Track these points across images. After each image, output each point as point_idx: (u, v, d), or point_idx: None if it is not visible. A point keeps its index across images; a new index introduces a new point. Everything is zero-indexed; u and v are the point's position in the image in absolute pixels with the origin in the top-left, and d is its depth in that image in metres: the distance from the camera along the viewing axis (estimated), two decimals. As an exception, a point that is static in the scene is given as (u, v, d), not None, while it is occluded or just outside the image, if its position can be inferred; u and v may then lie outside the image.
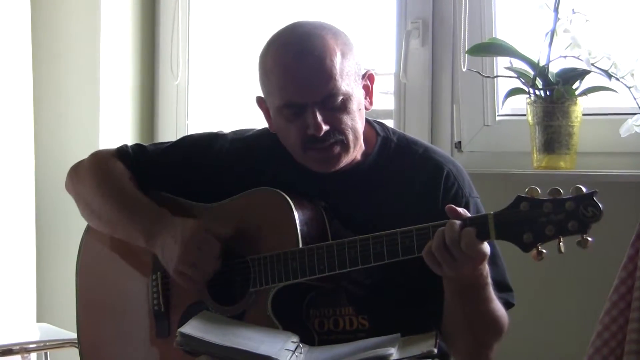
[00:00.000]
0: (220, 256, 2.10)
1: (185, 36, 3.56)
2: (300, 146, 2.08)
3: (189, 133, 3.35)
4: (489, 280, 1.98)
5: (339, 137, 2.06)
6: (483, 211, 2.11)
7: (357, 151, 2.13)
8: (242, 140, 2.27)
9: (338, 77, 2.04)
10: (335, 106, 2.05)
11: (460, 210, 1.91)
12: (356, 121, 2.08)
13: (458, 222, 1.88)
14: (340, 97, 2.05)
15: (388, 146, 2.19)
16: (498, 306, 2.04)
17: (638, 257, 2.20)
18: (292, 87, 2.05)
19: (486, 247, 1.90)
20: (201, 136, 2.34)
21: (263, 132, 2.28)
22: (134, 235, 2.19)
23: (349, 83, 2.06)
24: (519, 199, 1.86)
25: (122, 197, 2.23)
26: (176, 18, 3.55)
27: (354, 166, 2.15)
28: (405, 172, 2.15)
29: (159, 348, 2.21)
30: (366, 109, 2.14)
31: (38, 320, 3.47)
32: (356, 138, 2.09)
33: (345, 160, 2.10)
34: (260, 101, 2.17)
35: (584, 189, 1.83)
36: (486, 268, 1.96)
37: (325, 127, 2.04)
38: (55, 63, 3.59)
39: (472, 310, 2.00)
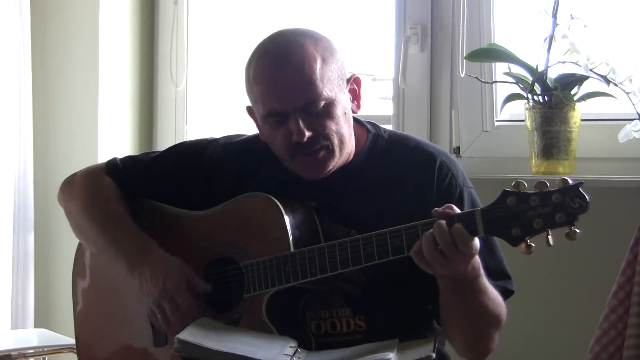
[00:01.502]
0: (193, 313, 2.11)
1: (184, 42, 3.56)
2: (288, 154, 2.08)
3: (188, 139, 3.37)
4: (482, 271, 1.97)
5: (324, 142, 2.06)
6: (478, 201, 2.11)
7: (345, 155, 2.13)
8: (234, 144, 2.28)
9: (318, 83, 2.03)
10: (317, 112, 2.04)
11: (447, 210, 1.89)
12: (341, 126, 2.07)
13: (443, 222, 1.87)
14: (322, 103, 2.04)
15: (379, 143, 2.19)
16: (493, 295, 2.03)
17: (637, 262, 2.20)
18: (273, 96, 2.05)
19: (477, 241, 1.89)
20: (192, 143, 2.35)
21: (254, 136, 2.28)
22: (117, 262, 2.20)
23: (331, 88, 2.05)
24: (506, 194, 1.86)
25: (106, 222, 2.23)
26: (175, 24, 3.56)
27: (345, 166, 2.14)
28: (398, 165, 2.15)
29: (157, 356, 2.21)
30: (354, 112, 2.13)
31: (36, 326, 3.47)
32: (342, 142, 2.09)
33: (333, 164, 2.10)
34: (250, 110, 2.17)
35: (570, 181, 1.83)
36: (477, 260, 1.94)
37: (308, 133, 2.03)
38: (54, 69, 3.59)
39: (467, 303, 1.99)
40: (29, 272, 3.46)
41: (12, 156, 3.43)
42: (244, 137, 2.31)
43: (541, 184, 1.84)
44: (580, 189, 1.81)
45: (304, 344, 2.01)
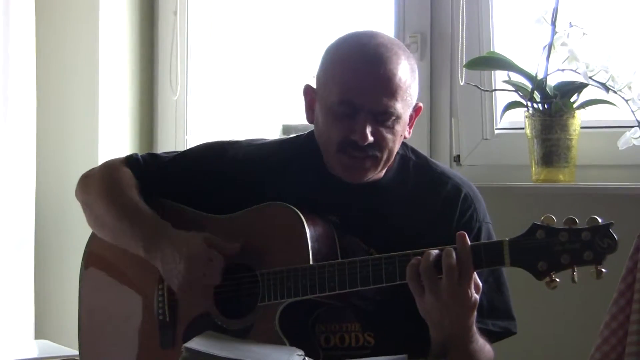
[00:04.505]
0: (223, 272, 2.09)
1: (184, 52, 3.57)
2: (337, 147, 2.07)
3: (188, 148, 3.36)
4: (476, 337, 1.99)
5: (376, 153, 2.06)
6: (494, 237, 2.11)
7: (383, 171, 2.14)
8: (258, 148, 2.27)
9: (400, 98, 2.04)
10: (385, 123, 2.05)
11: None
12: (395, 144, 2.09)
13: (453, 251, 1.89)
14: (393, 117, 2.05)
15: (406, 164, 2.19)
16: (482, 353, 2.04)
17: (637, 269, 2.19)
18: (357, 88, 2.03)
19: (477, 283, 1.92)
20: (214, 144, 2.34)
21: (279, 142, 2.29)
22: (134, 245, 2.18)
23: (403, 106, 2.06)
24: (535, 227, 1.88)
25: (124, 207, 2.22)
26: (175, 34, 3.56)
27: (374, 182, 2.15)
28: (423, 190, 2.16)
29: (163, 358, 2.20)
30: (405, 137, 2.14)
31: (36, 337, 3.46)
32: (388, 159, 2.10)
33: (371, 176, 2.11)
34: (309, 90, 2.15)
35: (599, 220, 1.85)
36: (473, 328, 1.97)
37: (370, 139, 2.04)
38: (54, 80, 3.59)
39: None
40: (29, 283, 3.46)
41: (14, 166, 3.43)
42: (269, 141, 2.30)
43: (570, 220, 1.86)
44: (610, 229, 1.84)
45: (313, 357, 2.00)
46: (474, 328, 1.97)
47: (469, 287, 1.89)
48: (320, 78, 2.12)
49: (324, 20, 3.41)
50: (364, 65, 2.04)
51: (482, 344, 2.03)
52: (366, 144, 2.03)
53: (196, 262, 2.08)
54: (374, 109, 2.03)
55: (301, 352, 1.96)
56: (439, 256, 1.89)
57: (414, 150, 2.23)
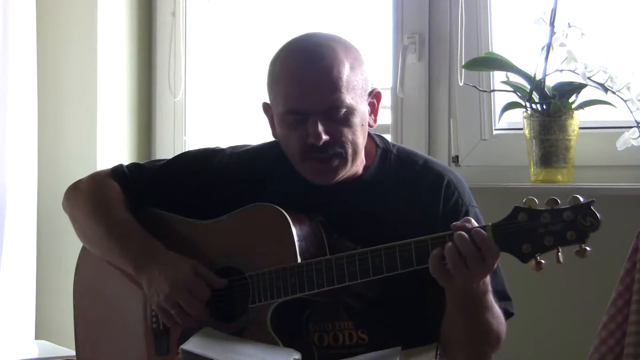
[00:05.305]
0: (207, 303, 2.10)
1: (181, 53, 3.57)
2: (300, 155, 2.08)
3: (187, 149, 3.37)
4: (490, 287, 1.98)
5: (338, 150, 2.06)
6: (482, 221, 2.11)
7: (357, 165, 2.14)
8: (241, 154, 2.28)
9: (343, 90, 2.04)
10: (337, 118, 2.05)
11: (465, 224, 1.90)
12: (357, 135, 2.08)
13: (465, 234, 1.87)
14: (344, 110, 2.05)
15: (388, 158, 2.19)
16: (498, 314, 2.04)
17: (635, 270, 2.20)
18: (297, 95, 2.05)
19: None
20: (198, 152, 2.35)
21: (262, 146, 2.29)
22: (123, 264, 2.20)
23: (353, 97, 2.06)
24: (517, 210, 1.87)
25: (113, 225, 2.23)
26: (173, 35, 3.57)
27: (356, 179, 2.15)
28: (406, 182, 2.15)
29: None
30: (370, 125, 2.14)
31: (36, 338, 3.47)
32: (355, 152, 2.09)
33: (343, 173, 2.10)
34: (266, 107, 2.17)
35: (581, 199, 1.84)
36: (488, 277, 1.96)
37: (325, 137, 2.04)
38: (52, 82, 3.59)
39: (474, 319, 1.99)
40: (30, 284, 3.46)
41: (16, 169, 3.43)
42: (252, 146, 2.31)
43: (552, 201, 1.85)
44: (591, 207, 1.83)
45: (307, 356, 2.01)
46: (488, 278, 1.96)
47: (494, 251, 1.88)
48: (268, 94, 2.14)
49: (322, 21, 3.42)
50: (298, 70, 2.05)
51: (494, 303, 2.03)
52: (322, 143, 2.04)
53: (182, 287, 2.09)
54: (320, 109, 2.04)
55: (298, 356, 1.96)
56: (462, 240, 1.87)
57: (394, 144, 2.24)
